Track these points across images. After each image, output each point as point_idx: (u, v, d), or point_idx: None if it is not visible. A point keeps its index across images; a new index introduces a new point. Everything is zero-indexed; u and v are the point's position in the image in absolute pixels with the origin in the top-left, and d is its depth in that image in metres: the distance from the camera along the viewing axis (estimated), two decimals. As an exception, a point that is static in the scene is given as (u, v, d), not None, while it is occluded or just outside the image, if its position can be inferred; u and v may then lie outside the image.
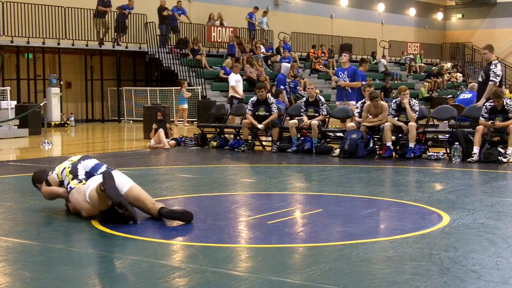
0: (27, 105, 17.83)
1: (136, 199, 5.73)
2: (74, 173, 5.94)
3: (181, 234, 5.51)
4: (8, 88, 18.11)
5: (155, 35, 23.02)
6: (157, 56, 22.91)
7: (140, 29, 23.08)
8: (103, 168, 6.00)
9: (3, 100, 17.72)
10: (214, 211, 6.42)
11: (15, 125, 16.93)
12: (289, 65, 20.35)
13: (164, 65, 22.93)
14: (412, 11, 36.90)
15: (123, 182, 5.74)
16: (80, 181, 5.88)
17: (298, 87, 22.22)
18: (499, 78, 10.91)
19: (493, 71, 10.85)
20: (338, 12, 32.55)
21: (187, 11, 24.10)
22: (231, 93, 18.47)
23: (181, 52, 23.11)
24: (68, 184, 5.91)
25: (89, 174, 5.94)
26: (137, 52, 23.28)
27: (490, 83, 10.83)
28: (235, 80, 18.44)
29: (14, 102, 18.26)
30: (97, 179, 5.65)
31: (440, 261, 4.43)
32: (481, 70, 10.89)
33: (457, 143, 10.54)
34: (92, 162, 6.07)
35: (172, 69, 22.81)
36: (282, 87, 18.03)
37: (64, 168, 6.03)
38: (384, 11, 34.95)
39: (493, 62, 10.97)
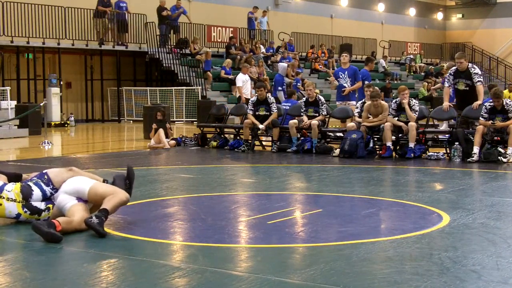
0: (27, 105, 17.83)
1: (101, 197, 5.42)
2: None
3: (181, 234, 5.51)
4: (8, 88, 18.11)
5: (155, 35, 23.03)
6: (157, 56, 22.91)
7: (140, 29, 23.08)
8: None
9: (3, 100, 17.71)
10: (214, 211, 6.43)
11: (15, 125, 16.92)
12: (285, 65, 20.30)
13: (164, 65, 22.93)
14: (412, 11, 36.89)
15: (83, 184, 5.50)
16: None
17: (298, 84, 22.20)
18: (482, 77, 11.44)
19: (474, 73, 11.04)
20: (338, 12, 32.55)
21: (187, 11, 24.10)
22: (239, 93, 18.43)
23: (181, 52, 23.12)
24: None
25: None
26: (137, 52, 23.29)
27: (478, 83, 10.96)
28: (242, 81, 18.40)
29: (14, 102, 18.26)
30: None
31: (440, 261, 4.43)
32: (461, 79, 11.05)
33: (457, 143, 10.54)
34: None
35: (172, 69, 22.82)
36: (279, 88, 17.96)
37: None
38: (384, 11, 34.95)
39: (468, 67, 11.10)
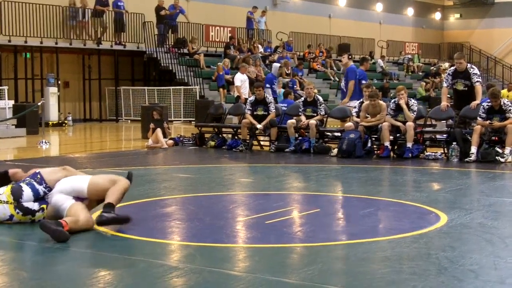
0: (24, 105, 17.81)
1: (102, 190, 5.42)
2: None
3: (179, 234, 5.51)
4: (5, 88, 18.08)
5: (153, 34, 23.01)
6: (155, 56, 22.90)
7: (138, 28, 23.07)
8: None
9: (1, 99, 17.68)
10: (212, 211, 6.42)
11: (12, 125, 16.90)
12: (278, 64, 20.36)
13: (162, 64, 22.92)
14: (410, 11, 36.90)
15: (80, 181, 5.49)
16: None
17: (295, 86, 22.20)
18: (480, 77, 11.33)
19: (473, 73, 11.02)
20: (336, 12, 32.54)
21: (185, 11, 24.09)
22: (237, 93, 18.41)
23: (179, 51, 23.11)
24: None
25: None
26: (135, 51, 23.27)
27: (477, 84, 10.96)
28: (241, 80, 18.37)
29: (12, 102, 18.23)
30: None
31: (437, 260, 4.43)
32: (460, 79, 11.05)
33: (455, 143, 10.55)
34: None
35: (170, 68, 22.81)
36: (267, 85, 18.01)
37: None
38: (382, 11, 34.95)
39: (467, 67, 11.08)
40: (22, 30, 20.09)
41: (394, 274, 4.12)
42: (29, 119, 16.68)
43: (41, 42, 20.62)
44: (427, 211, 6.26)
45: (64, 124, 20.30)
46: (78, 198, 5.44)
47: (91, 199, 5.50)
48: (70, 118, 20.79)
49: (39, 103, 15.83)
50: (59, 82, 20.82)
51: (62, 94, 21.33)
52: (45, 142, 14.05)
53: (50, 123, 19.23)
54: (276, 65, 19.66)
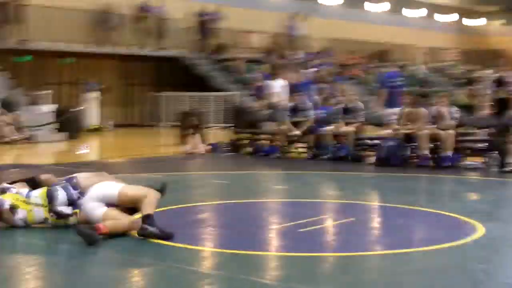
0: (67, 109, 18.10)
1: (131, 199, 5.49)
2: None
3: (212, 240, 5.53)
4: (49, 92, 18.40)
5: (194, 40, 23.17)
6: (195, 62, 23.05)
7: (178, 34, 23.25)
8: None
9: (44, 104, 18.00)
10: (246, 218, 6.44)
11: (55, 129, 17.18)
12: (313, 70, 20.35)
13: (202, 70, 23.06)
14: (452, 17, 36.44)
15: (111, 189, 5.56)
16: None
17: (334, 93, 22.10)
18: None
19: None
20: (376, 17, 32.33)
21: (224, 16, 24.18)
22: (276, 99, 18.41)
23: (219, 57, 23.23)
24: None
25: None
26: (176, 57, 23.45)
27: None
28: (280, 86, 18.40)
29: (55, 106, 18.55)
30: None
31: (473, 273, 4.35)
32: (503, 86, 10.83)
33: (495, 152, 10.35)
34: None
35: (210, 74, 22.93)
36: (303, 92, 17.98)
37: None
38: (424, 17, 34.59)
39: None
40: (66, 35, 20.41)
41: (428, 287, 4.07)
42: (70, 123, 16.94)
43: (85, 47, 20.92)
44: (464, 222, 6.16)
45: (104, 129, 20.57)
46: (110, 205, 5.50)
47: (122, 207, 5.55)
48: (110, 123, 21.07)
49: (81, 108, 16.07)
50: (101, 87, 21.12)
51: (103, 99, 21.63)
52: (86, 147, 14.26)
53: (91, 127, 19.53)
54: (311, 70, 19.64)
